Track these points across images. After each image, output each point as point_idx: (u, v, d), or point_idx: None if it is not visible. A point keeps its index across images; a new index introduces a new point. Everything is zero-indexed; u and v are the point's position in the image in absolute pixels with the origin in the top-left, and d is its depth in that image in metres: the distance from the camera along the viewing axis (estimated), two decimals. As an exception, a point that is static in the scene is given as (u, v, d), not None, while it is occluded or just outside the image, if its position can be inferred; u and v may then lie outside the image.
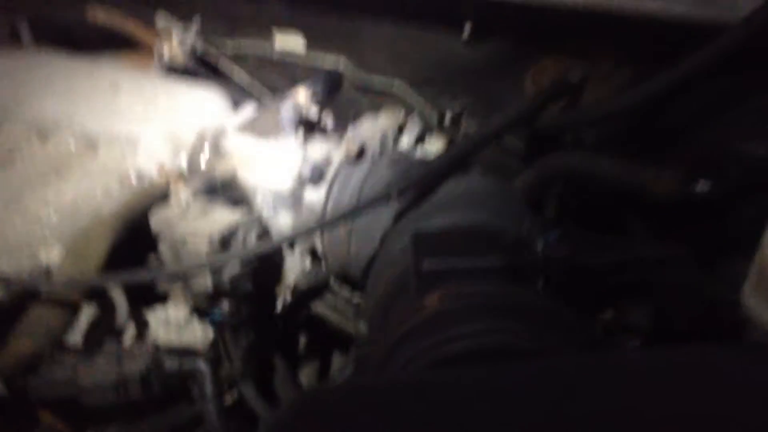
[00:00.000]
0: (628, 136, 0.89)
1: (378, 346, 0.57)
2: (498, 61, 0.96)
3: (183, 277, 0.70)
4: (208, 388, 0.68)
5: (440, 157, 0.72)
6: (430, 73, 0.99)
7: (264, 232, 0.74)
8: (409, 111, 0.97)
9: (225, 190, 0.78)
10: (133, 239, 0.75)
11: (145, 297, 0.77)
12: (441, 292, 0.55)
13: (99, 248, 0.73)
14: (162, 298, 0.76)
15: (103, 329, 0.72)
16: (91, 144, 0.81)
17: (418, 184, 0.70)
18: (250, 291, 0.73)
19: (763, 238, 0.56)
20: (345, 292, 0.78)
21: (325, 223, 0.68)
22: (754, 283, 0.58)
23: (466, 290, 0.55)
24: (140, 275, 0.64)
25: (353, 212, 0.68)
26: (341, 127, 0.91)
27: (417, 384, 0.45)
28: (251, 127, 0.82)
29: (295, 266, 0.77)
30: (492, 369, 0.46)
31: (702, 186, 0.73)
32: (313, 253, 0.80)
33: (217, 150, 0.81)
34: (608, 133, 0.89)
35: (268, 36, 1.01)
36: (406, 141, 0.88)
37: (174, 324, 0.76)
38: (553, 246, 0.57)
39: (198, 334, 0.77)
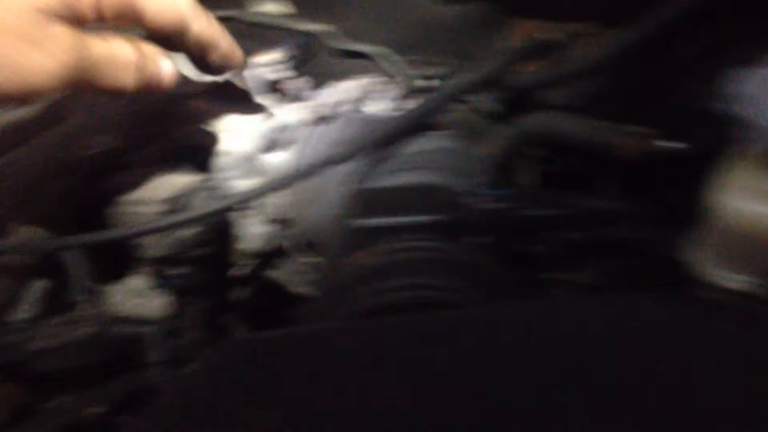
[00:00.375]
0: (601, 97, 0.86)
1: (312, 304, 0.55)
2: (483, 23, 0.94)
3: (133, 240, 0.69)
4: (157, 353, 0.67)
5: (400, 117, 0.70)
6: (413, 37, 0.97)
7: (222, 197, 0.73)
8: (389, 75, 0.94)
9: (185, 155, 0.77)
10: (90, 207, 0.75)
11: (104, 265, 0.77)
12: (371, 248, 0.54)
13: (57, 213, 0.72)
14: (120, 267, 0.76)
15: (56, 295, 0.72)
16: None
17: (374, 144, 0.68)
18: (206, 255, 0.72)
19: (717, 197, 0.54)
20: (307, 257, 0.77)
21: (278, 184, 0.66)
22: (707, 242, 0.56)
23: (396, 246, 0.53)
24: (89, 238, 0.63)
25: (304, 174, 0.66)
26: (316, 93, 0.89)
27: (325, 333, 0.45)
28: (216, 92, 0.81)
29: (256, 231, 0.76)
30: (404, 318, 0.45)
31: (668, 145, 0.71)
32: (277, 219, 0.79)
33: (178, 115, 0.80)
34: (582, 93, 0.86)
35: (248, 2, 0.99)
36: (382, 105, 0.86)
37: (131, 292, 0.75)
38: (490, 201, 0.54)
39: (156, 302, 0.76)
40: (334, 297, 0.51)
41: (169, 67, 0.59)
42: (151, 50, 0.57)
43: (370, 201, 0.57)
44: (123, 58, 0.55)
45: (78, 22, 0.52)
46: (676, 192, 0.74)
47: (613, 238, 0.57)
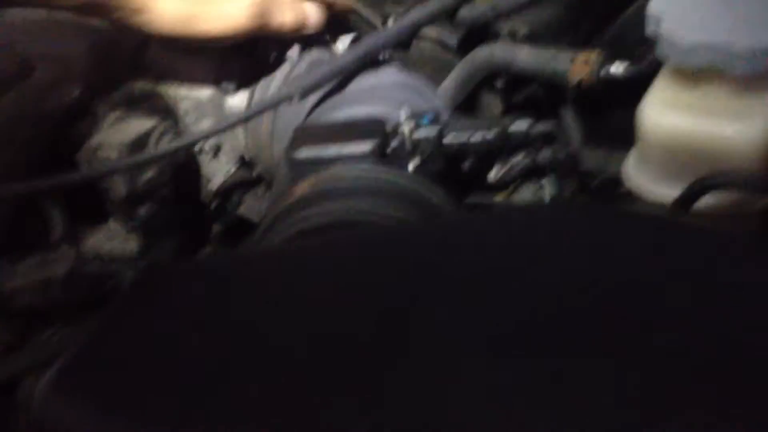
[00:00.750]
0: (560, 25, 0.87)
1: (255, 236, 0.58)
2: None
3: (101, 182, 0.72)
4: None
5: (348, 53, 0.72)
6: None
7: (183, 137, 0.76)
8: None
9: (145, 101, 0.79)
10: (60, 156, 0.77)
11: (78, 209, 0.80)
12: (310, 178, 0.56)
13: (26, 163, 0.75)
14: (93, 210, 0.79)
15: (32, 237, 0.76)
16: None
17: (322, 80, 0.70)
18: (169, 194, 0.75)
19: (640, 117, 0.56)
20: (266, 192, 0.80)
21: (234, 122, 0.69)
22: (635, 154, 0.58)
23: (332, 174, 0.56)
24: (57, 179, 0.66)
25: (258, 111, 0.68)
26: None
27: (251, 256, 0.47)
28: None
29: (221, 171, 0.78)
30: (334, 238, 0.48)
31: (616, 69, 0.72)
32: (241, 160, 0.82)
33: (140, 61, 0.82)
34: (542, 22, 0.87)
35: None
36: (341, 45, 0.87)
37: (106, 233, 0.79)
38: (422, 128, 0.57)
39: (130, 242, 0.79)
40: (271, 225, 0.54)
41: (313, 9, 0.73)
42: None
43: (311, 135, 0.59)
44: (284, 3, 0.70)
45: None
46: (622, 113, 0.76)
47: (549, 160, 0.59)
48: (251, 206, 0.81)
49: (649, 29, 0.55)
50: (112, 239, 0.79)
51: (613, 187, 0.65)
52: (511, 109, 0.92)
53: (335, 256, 0.45)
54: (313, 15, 0.73)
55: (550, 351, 0.35)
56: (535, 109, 0.78)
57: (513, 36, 0.86)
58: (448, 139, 0.57)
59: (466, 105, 0.88)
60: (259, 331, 0.40)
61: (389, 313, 0.39)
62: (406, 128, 0.56)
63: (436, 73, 0.81)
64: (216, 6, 0.67)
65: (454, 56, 0.91)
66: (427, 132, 0.57)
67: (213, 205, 0.79)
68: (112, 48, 0.85)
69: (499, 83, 0.88)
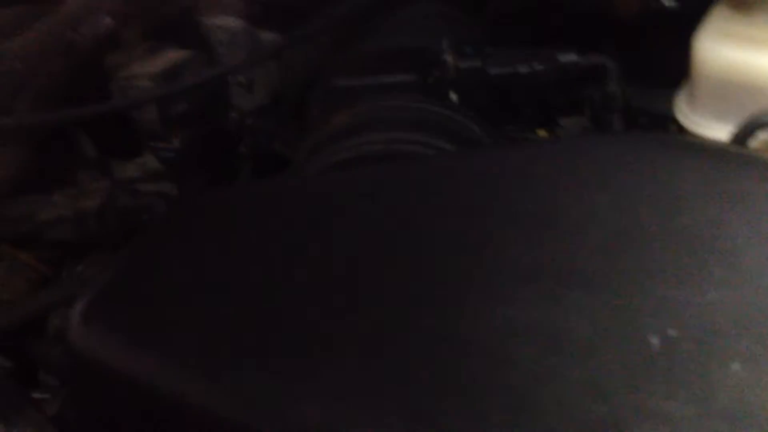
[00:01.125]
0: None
1: (292, 166, 0.57)
2: None
3: (133, 114, 0.70)
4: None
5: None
6: None
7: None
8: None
9: (178, 31, 0.77)
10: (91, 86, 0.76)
11: (111, 142, 0.79)
12: (349, 108, 0.55)
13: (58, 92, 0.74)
14: (126, 144, 0.78)
15: (65, 169, 0.75)
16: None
17: (356, 11, 0.67)
18: (202, 127, 0.73)
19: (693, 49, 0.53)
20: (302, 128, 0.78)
21: (268, 53, 0.67)
22: (685, 92, 0.56)
23: (372, 105, 0.54)
24: (90, 110, 0.65)
25: (291, 43, 0.66)
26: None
27: (294, 185, 0.46)
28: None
29: (253, 105, 0.77)
30: (372, 170, 0.46)
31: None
32: (275, 94, 0.80)
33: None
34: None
35: None
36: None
37: (137, 167, 0.78)
38: (465, 58, 0.55)
39: (162, 177, 0.78)
40: (308, 156, 0.53)
41: None
42: None
43: (350, 64, 0.57)
44: None
45: None
46: (671, 47, 0.73)
47: (595, 94, 0.57)
48: (284, 141, 0.80)
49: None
50: (145, 173, 0.78)
51: (662, 125, 0.63)
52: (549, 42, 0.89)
53: (376, 188, 0.43)
54: None
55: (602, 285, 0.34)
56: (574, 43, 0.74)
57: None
58: (493, 69, 0.54)
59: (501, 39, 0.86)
60: (293, 262, 0.39)
61: (435, 244, 0.38)
62: (449, 58, 0.54)
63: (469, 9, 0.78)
64: None
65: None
66: (471, 62, 0.54)
67: (245, 140, 0.77)
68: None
69: (537, 15, 0.85)
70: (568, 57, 0.54)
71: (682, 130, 0.58)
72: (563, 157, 0.42)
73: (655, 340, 0.32)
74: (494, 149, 0.51)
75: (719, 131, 0.53)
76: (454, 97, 0.55)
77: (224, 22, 0.76)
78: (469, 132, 0.53)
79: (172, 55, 0.73)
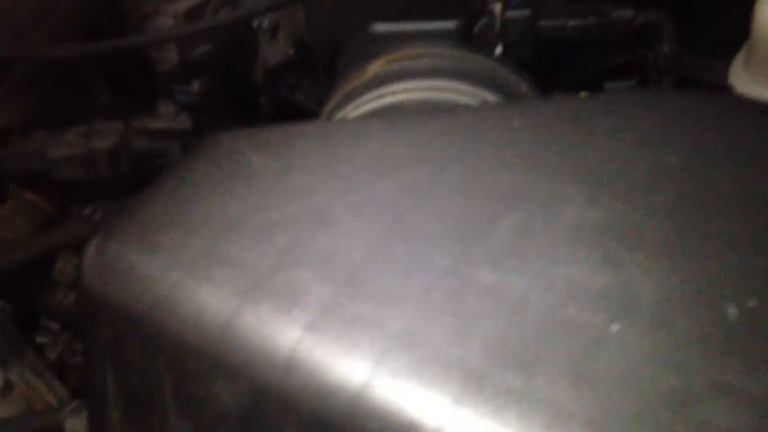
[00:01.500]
0: None
1: (323, 113, 0.54)
2: None
3: (152, 53, 0.67)
4: (178, 167, 0.66)
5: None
6: None
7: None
8: None
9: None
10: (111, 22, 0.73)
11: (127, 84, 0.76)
12: (387, 54, 0.51)
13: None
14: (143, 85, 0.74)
15: (79, 109, 0.71)
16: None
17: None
18: (223, 71, 0.70)
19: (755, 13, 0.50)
20: (328, 80, 0.75)
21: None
22: (743, 58, 0.52)
23: (411, 52, 0.50)
24: (107, 44, 0.62)
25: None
26: None
27: (332, 128, 0.43)
28: None
29: (278, 52, 0.73)
30: (412, 116, 0.43)
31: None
32: (301, 42, 0.76)
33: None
34: None
35: None
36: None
37: (154, 110, 0.74)
38: (511, 8, 0.51)
39: (180, 121, 0.75)
40: (342, 101, 0.49)
41: None
42: None
43: (388, 8, 0.54)
44: None
45: None
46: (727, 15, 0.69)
47: (648, 55, 0.53)
48: (308, 91, 0.76)
49: None
50: (162, 115, 0.75)
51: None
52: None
53: (413, 136, 0.40)
54: None
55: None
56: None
57: None
58: (543, 21, 0.51)
59: None
60: (323, 205, 0.36)
61: (488, 198, 0.35)
62: (496, 6, 0.50)
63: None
64: None
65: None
66: (519, 13, 0.51)
67: (268, 88, 0.73)
68: None
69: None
70: (623, 13, 0.51)
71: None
72: (623, 111, 0.39)
73: (732, 311, 0.29)
74: (548, 102, 0.47)
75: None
76: (499, 49, 0.51)
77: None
78: (514, 86, 0.50)
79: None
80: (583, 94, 0.57)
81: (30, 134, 0.67)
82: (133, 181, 0.72)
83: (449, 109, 0.46)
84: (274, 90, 0.75)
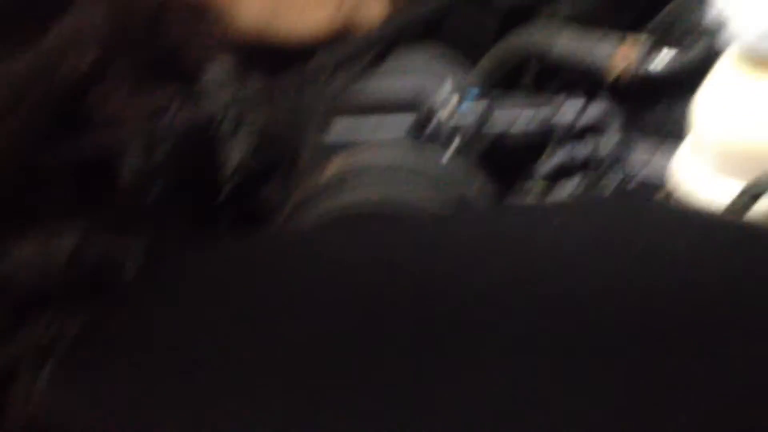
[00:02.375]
0: (599, 12, 0.83)
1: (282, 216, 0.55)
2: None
3: (115, 156, 0.68)
4: (140, 269, 0.66)
5: (380, 27, 0.68)
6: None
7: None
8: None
9: (166, 68, 0.75)
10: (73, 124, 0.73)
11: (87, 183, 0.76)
12: (341, 158, 0.52)
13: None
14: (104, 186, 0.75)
15: (35, 212, 0.71)
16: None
17: (353, 54, 0.66)
18: (185, 171, 0.71)
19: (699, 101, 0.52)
20: (291, 174, 0.76)
21: (255, 96, 0.64)
22: (687, 148, 0.54)
23: (364, 156, 0.52)
24: (63, 150, 0.62)
25: (282, 86, 0.64)
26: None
27: (282, 239, 0.44)
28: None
29: (240, 148, 0.74)
30: (364, 224, 0.44)
31: (661, 60, 0.69)
32: (264, 137, 0.77)
33: (160, 27, 0.78)
34: (580, 8, 0.83)
35: None
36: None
37: (113, 211, 0.74)
38: (466, 105, 0.53)
39: (140, 222, 0.75)
40: (296, 209, 0.50)
41: None
42: None
43: (344, 110, 0.56)
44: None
45: None
46: (668, 105, 0.72)
47: (591, 154, 0.55)
48: (271, 188, 0.77)
49: (713, 14, 0.51)
50: (121, 217, 0.75)
51: (656, 186, 0.62)
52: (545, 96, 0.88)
53: (369, 244, 0.41)
54: None
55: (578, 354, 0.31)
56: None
57: (553, 18, 0.82)
58: (494, 118, 0.52)
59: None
60: (274, 325, 0.36)
61: (417, 309, 0.35)
62: (451, 101, 0.52)
63: (468, 55, 0.77)
64: (298, 9, 0.68)
65: (488, 38, 0.88)
66: (471, 109, 0.52)
67: (230, 185, 0.74)
68: (131, 12, 0.81)
69: (534, 68, 0.85)
70: (573, 105, 0.53)
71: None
72: (560, 219, 0.41)
73: None
74: (489, 210, 0.49)
75: (720, 194, 0.52)
76: (451, 148, 0.53)
77: (213, 61, 0.74)
78: (467, 185, 0.51)
79: (159, 94, 0.70)
80: (538, 184, 0.59)
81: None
82: (89, 287, 0.71)
83: (401, 215, 0.47)
84: (236, 189, 0.76)
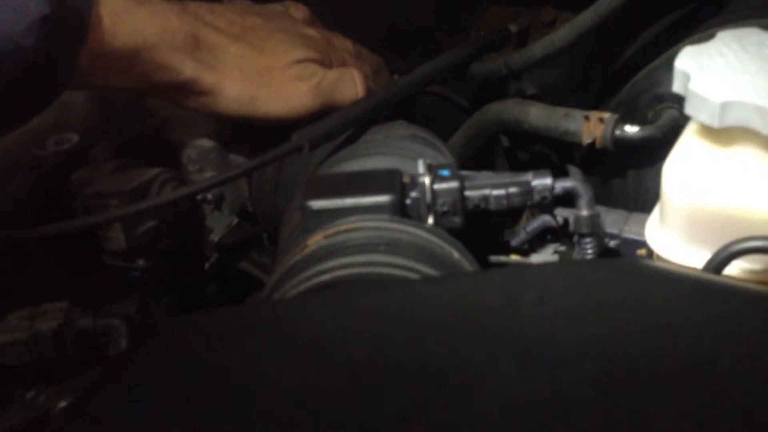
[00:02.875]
0: (568, 85, 0.87)
1: (265, 290, 0.55)
2: (444, 14, 0.95)
3: (98, 233, 0.69)
4: (123, 346, 0.67)
5: (358, 104, 0.70)
6: (382, 32, 0.98)
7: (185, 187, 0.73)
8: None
9: (148, 149, 0.77)
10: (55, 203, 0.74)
11: (70, 260, 0.77)
12: (325, 230, 0.54)
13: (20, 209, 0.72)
14: (87, 262, 0.76)
15: (21, 289, 0.72)
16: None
17: (332, 131, 0.68)
18: (168, 246, 0.72)
19: (662, 174, 0.54)
20: (274, 248, 0.77)
21: (238, 173, 0.66)
22: (658, 216, 0.56)
23: (347, 227, 0.53)
24: (52, 228, 0.63)
25: (264, 163, 0.66)
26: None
27: (268, 310, 0.44)
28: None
29: (222, 224, 0.76)
30: (351, 294, 0.45)
31: (629, 131, 0.71)
32: (244, 212, 0.79)
33: (141, 108, 0.80)
34: (550, 83, 0.87)
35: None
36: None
37: (98, 286, 0.75)
38: (441, 180, 0.55)
39: (125, 297, 0.76)
40: (282, 278, 0.51)
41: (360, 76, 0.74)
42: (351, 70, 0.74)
43: (325, 185, 0.57)
44: (346, 79, 0.72)
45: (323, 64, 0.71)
46: (644, 173, 0.75)
47: (571, 220, 0.57)
48: (254, 260, 0.78)
49: (676, 86, 0.54)
50: (106, 293, 0.76)
51: (632, 250, 0.64)
52: (516, 168, 0.91)
53: (351, 314, 0.42)
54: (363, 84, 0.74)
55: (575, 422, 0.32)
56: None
57: (520, 95, 0.85)
58: (469, 192, 0.54)
59: (471, 162, 0.87)
60: (267, 396, 0.37)
61: (406, 376, 0.36)
62: (425, 180, 0.54)
63: (441, 129, 0.80)
64: (277, 88, 0.69)
65: (460, 112, 0.91)
66: (447, 185, 0.54)
67: (213, 258, 0.75)
68: (112, 94, 0.83)
69: (505, 141, 0.88)
70: (543, 182, 0.55)
71: (651, 255, 0.58)
72: (542, 282, 0.42)
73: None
74: (471, 275, 0.50)
75: (692, 258, 0.53)
76: (431, 219, 0.54)
77: (195, 140, 0.76)
78: (447, 254, 0.52)
79: (140, 173, 0.72)
80: (514, 256, 0.61)
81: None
82: (77, 360, 0.71)
83: (385, 284, 0.48)
84: (221, 260, 0.77)
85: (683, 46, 0.57)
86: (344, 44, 0.78)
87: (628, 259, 0.55)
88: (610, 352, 0.36)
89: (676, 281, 0.42)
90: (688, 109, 0.52)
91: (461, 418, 0.33)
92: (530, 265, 0.56)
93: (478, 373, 0.35)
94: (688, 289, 0.41)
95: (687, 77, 0.53)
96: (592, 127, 0.72)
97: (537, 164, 0.87)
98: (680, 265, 0.52)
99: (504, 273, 0.49)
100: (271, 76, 0.68)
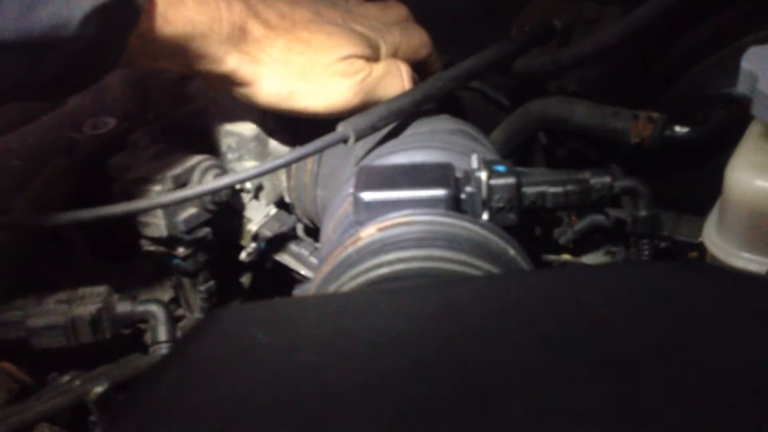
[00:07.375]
0: (611, 83, 0.86)
1: (315, 281, 0.54)
2: (484, 8, 0.93)
3: (137, 219, 0.68)
4: (161, 333, 0.66)
5: (404, 96, 0.69)
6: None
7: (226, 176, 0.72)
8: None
9: (187, 135, 0.76)
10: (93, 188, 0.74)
11: (109, 245, 0.76)
12: (378, 222, 0.53)
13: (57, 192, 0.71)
14: (125, 247, 0.75)
15: (59, 273, 0.71)
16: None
17: (377, 122, 0.67)
18: (208, 236, 0.71)
19: (730, 176, 0.53)
20: (310, 240, 0.76)
21: (280, 164, 0.65)
22: (715, 219, 0.55)
23: (402, 220, 0.52)
24: (91, 213, 0.62)
25: (305, 155, 0.65)
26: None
27: (319, 301, 0.44)
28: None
29: (260, 214, 0.75)
30: (406, 287, 0.44)
31: (679, 131, 0.70)
32: (281, 203, 0.78)
33: (180, 94, 0.79)
34: (592, 80, 0.85)
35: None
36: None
37: (137, 273, 0.74)
38: (496, 176, 0.54)
39: (163, 284, 0.75)
40: (338, 270, 0.50)
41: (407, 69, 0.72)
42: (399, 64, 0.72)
43: (376, 177, 0.56)
44: (393, 73, 0.71)
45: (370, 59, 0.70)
46: (690, 175, 0.73)
47: (622, 217, 0.56)
48: (291, 251, 0.77)
49: (742, 86, 0.52)
50: (141, 279, 0.75)
51: (686, 252, 0.63)
52: (552, 166, 0.90)
53: (420, 309, 0.41)
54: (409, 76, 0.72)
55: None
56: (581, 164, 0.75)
57: (562, 92, 0.84)
58: (526, 189, 0.53)
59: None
60: (327, 385, 0.36)
61: (478, 375, 0.35)
62: (482, 175, 0.53)
63: (476, 125, 0.79)
64: (318, 84, 0.67)
65: (497, 108, 0.90)
66: (504, 180, 0.53)
67: (251, 248, 0.74)
68: (152, 80, 0.82)
69: (543, 138, 0.86)
70: (601, 180, 0.54)
71: (703, 257, 0.57)
72: (603, 283, 0.41)
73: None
74: (537, 272, 0.49)
75: (752, 262, 0.52)
76: (486, 215, 0.53)
77: (235, 128, 0.75)
78: (503, 251, 0.51)
79: (181, 159, 0.71)
80: (565, 255, 0.59)
81: (9, 302, 0.66)
82: (112, 346, 0.71)
83: (447, 280, 0.47)
84: (258, 250, 0.76)
85: (740, 46, 0.55)
86: (399, 13, 0.77)
87: (701, 263, 0.53)
88: (689, 358, 0.35)
89: (754, 284, 0.40)
90: (755, 110, 0.51)
91: (533, 420, 0.32)
92: (585, 265, 0.54)
93: (552, 375, 0.34)
94: (745, 291, 0.40)
95: (754, 78, 0.51)
96: (641, 126, 0.71)
97: (574, 162, 0.86)
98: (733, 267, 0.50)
99: (571, 272, 0.47)
100: (314, 71, 0.67)
